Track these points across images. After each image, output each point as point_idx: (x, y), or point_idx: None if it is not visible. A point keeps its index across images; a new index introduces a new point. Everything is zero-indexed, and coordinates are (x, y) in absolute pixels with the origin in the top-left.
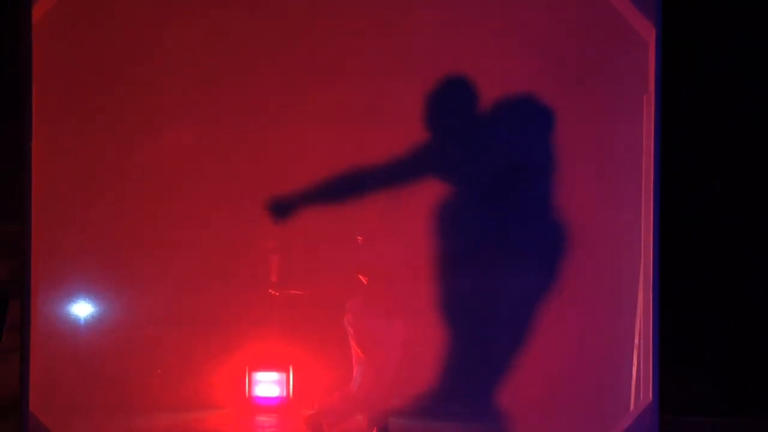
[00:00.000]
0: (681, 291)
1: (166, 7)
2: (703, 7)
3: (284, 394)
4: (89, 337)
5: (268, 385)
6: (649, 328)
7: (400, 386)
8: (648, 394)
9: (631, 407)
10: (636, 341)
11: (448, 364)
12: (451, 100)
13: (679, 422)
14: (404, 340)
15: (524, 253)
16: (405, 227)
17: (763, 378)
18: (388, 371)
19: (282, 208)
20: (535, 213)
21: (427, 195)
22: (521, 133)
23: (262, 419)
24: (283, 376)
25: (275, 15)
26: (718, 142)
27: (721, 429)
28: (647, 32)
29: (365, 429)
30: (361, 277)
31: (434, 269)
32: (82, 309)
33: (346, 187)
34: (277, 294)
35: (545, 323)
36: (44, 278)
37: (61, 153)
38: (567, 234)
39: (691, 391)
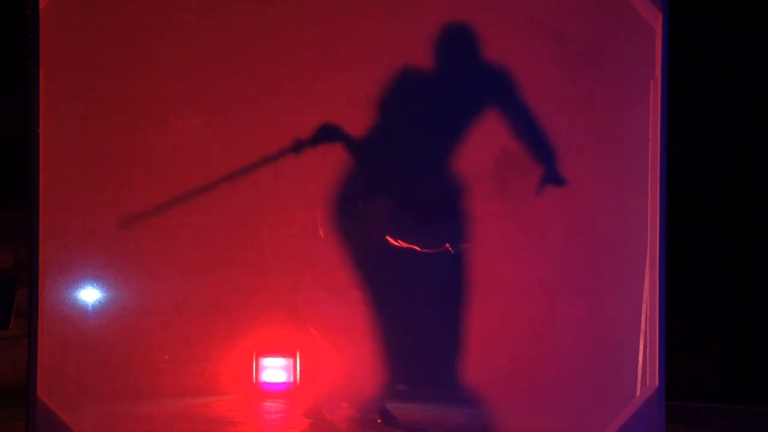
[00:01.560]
0: (687, 278)
1: None
2: None
3: (291, 379)
4: (96, 324)
5: (275, 370)
6: (655, 314)
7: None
8: (654, 380)
9: (638, 393)
10: (642, 327)
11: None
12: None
13: (685, 408)
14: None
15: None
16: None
17: None
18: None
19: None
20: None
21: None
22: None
23: (270, 405)
24: (290, 361)
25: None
26: (723, 131)
27: (727, 415)
28: (654, 19)
29: (364, 409)
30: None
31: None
32: (89, 295)
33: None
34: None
35: (552, 310)
36: (51, 265)
37: (67, 140)
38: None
39: (698, 377)
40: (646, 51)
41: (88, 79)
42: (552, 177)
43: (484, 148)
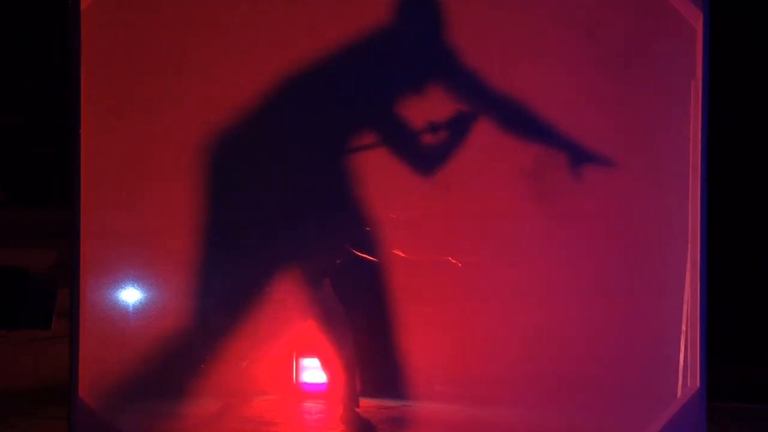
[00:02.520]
0: (728, 277)
1: None
2: None
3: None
4: (137, 323)
5: (315, 371)
6: (696, 314)
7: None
8: (695, 381)
9: (678, 394)
10: (683, 327)
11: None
12: None
13: (726, 409)
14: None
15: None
16: None
17: None
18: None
19: None
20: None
21: None
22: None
23: (309, 405)
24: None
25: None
26: (765, 129)
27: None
28: (695, 18)
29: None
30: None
31: None
32: (130, 295)
33: None
34: None
35: (591, 310)
36: (93, 264)
37: (108, 139)
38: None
39: (739, 378)
40: (687, 50)
41: (130, 79)
42: (589, 156)
43: (521, 148)
